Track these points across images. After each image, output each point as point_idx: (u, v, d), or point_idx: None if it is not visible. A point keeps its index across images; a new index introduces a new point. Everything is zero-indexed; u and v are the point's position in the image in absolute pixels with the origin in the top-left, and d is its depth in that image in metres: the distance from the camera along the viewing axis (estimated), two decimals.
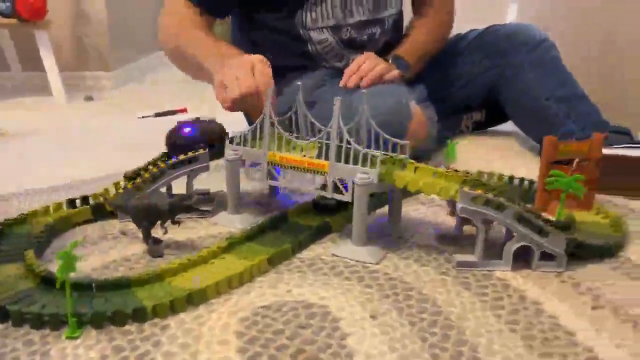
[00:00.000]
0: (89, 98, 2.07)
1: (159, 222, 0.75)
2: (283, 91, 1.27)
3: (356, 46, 1.27)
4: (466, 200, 0.70)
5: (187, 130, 0.96)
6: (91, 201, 0.88)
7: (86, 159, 1.29)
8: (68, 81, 2.23)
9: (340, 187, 0.77)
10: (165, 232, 0.76)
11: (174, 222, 0.76)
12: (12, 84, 2.27)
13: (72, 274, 0.56)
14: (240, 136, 0.85)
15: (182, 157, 0.87)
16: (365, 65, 1.15)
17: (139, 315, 0.59)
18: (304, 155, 0.80)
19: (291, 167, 0.81)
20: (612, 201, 0.98)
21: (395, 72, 1.18)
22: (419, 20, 1.35)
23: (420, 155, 1.21)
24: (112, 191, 0.86)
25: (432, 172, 0.77)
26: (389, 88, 1.10)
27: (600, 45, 1.53)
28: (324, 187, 0.79)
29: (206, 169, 0.89)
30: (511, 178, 1.05)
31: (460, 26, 1.44)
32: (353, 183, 0.75)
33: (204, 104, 1.45)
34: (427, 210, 0.91)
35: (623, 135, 1.13)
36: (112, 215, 0.87)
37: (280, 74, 1.30)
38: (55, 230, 0.81)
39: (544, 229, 0.71)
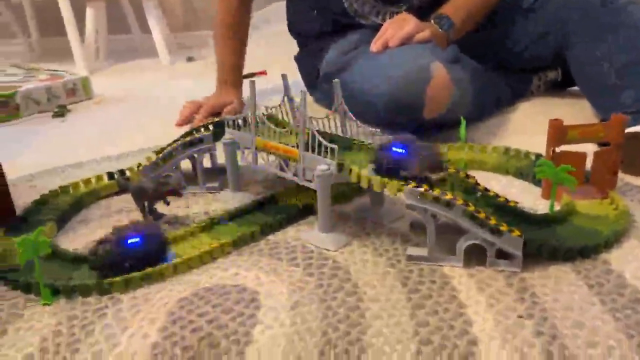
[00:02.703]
0: (191, 59, 2.25)
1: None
2: (324, 57, 1.31)
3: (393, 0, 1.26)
4: (412, 198, 0.70)
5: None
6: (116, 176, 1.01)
7: (160, 124, 1.44)
8: (179, 41, 2.43)
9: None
10: (155, 210, 0.86)
11: (164, 202, 0.86)
12: (130, 46, 2.53)
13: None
14: (235, 122, 0.91)
15: (188, 138, 0.95)
16: (390, 29, 1.14)
17: (101, 289, 0.70)
18: (292, 145, 0.83)
19: (272, 154, 0.86)
20: None
21: (425, 33, 1.14)
22: None
23: (448, 124, 1.15)
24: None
25: None
26: (407, 49, 1.08)
27: None
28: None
29: (212, 149, 0.97)
30: (527, 154, 1.00)
31: None
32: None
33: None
34: None
35: None
36: None
37: (322, 37, 1.34)
38: (83, 203, 0.95)
39: (496, 229, 0.68)
